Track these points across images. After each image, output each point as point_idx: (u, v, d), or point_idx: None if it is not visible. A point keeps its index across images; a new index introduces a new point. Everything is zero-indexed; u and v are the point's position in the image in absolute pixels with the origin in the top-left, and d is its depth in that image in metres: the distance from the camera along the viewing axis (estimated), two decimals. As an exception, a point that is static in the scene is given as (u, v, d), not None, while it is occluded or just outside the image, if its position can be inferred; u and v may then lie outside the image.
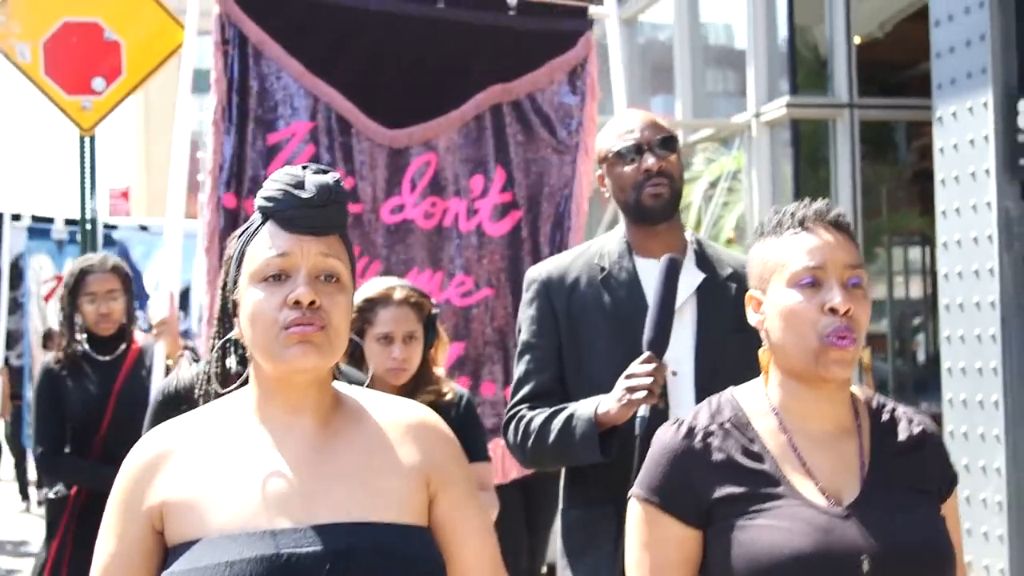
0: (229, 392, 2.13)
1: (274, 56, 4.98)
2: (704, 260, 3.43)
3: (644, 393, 3.09)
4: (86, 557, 4.98)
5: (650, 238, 3.41)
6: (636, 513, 2.23)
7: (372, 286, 4.06)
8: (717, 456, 2.17)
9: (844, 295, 2.14)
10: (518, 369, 3.51)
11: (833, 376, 2.14)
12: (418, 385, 4.06)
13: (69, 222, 11.65)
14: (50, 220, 12.22)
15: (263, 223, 2.05)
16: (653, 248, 3.39)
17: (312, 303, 1.95)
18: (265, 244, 2.02)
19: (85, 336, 5.38)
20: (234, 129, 4.95)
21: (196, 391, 2.59)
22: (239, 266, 2.06)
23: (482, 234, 5.16)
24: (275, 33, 4.98)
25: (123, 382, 5.32)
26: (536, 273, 3.56)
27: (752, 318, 2.27)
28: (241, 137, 4.96)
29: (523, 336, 3.51)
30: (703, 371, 3.30)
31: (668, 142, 3.43)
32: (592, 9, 5.10)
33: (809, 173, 9.78)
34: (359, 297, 3.98)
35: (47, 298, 11.86)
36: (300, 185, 2.01)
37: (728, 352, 3.24)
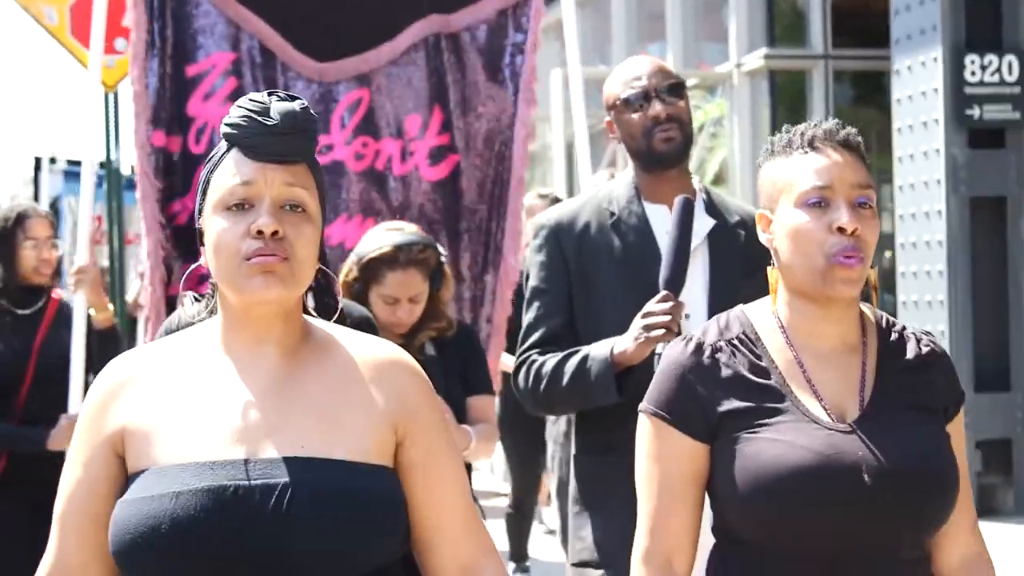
0: (197, 322, 2.10)
1: None
2: (713, 207, 3.40)
3: (662, 331, 3.05)
4: (10, 530, 4.73)
5: (660, 184, 3.37)
6: (645, 427, 2.23)
7: (378, 241, 3.91)
8: (725, 372, 2.18)
9: (851, 214, 2.12)
10: (528, 315, 3.45)
11: (839, 295, 2.14)
12: (422, 324, 3.96)
13: (101, 165, 12.36)
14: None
15: (228, 151, 1.98)
16: (663, 194, 3.35)
17: (275, 233, 1.90)
18: (229, 172, 1.95)
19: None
20: (157, 59, 4.56)
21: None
22: (204, 195, 1.99)
23: (418, 178, 4.74)
24: None
25: (44, 337, 4.86)
26: (545, 218, 3.51)
27: (761, 237, 2.27)
28: (163, 68, 4.58)
29: (532, 282, 3.45)
30: (716, 312, 3.39)
31: (676, 88, 3.39)
32: None
33: (787, 121, 10.34)
34: (364, 252, 3.89)
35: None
36: (265, 112, 1.95)
37: (740, 296, 3.03)
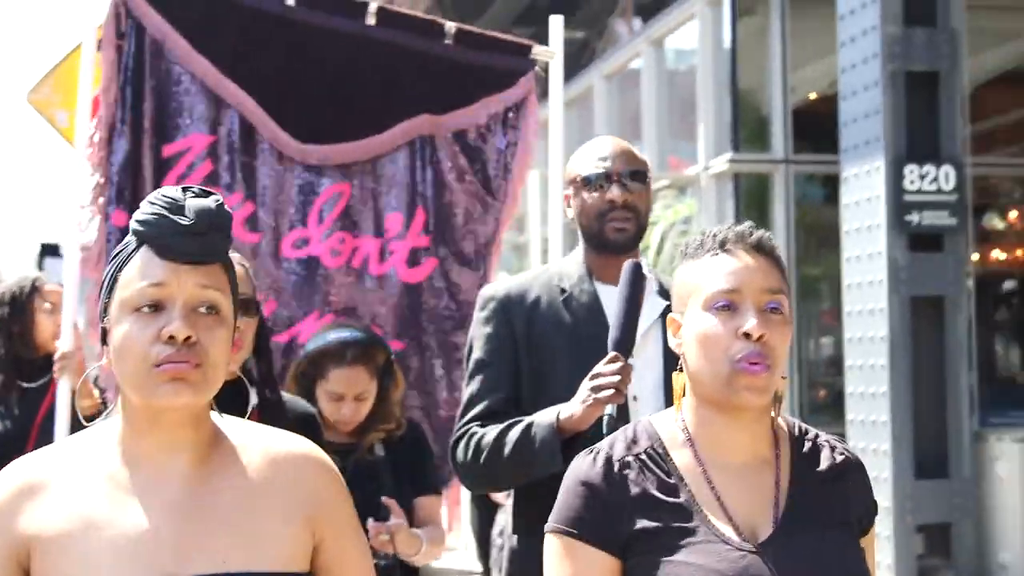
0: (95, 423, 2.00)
1: (176, 50, 4.37)
2: (663, 290, 3.32)
3: (611, 392, 2.94)
4: None
5: (610, 265, 3.30)
6: (554, 547, 2.14)
7: (325, 337, 3.89)
8: (634, 489, 2.09)
9: (759, 320, 2.05)
10: (469, 388, 3.34)
11: (744, 403, 2.06)
12: (371, 423, 3.90)
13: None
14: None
15: (137, 248, 1.87)
16: (613, 274, 3.24)
17: (188, 338, 1.81)
18: (138, 272, 1.84)
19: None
20: (127, 134, 4.32)
21: None
22: (111, 292, 1.88)
23: (396, 280, 4.57)
24: (180, 26, 4.39)
25: (46, 414, 4.62)
26: (493, 291, 3.43)
27: (671, 342, 2.20)
28: (136, 145, 4.34)
29: (476, 354, 3.36)
30: (668, 398, 3.10)
31: (638, 175, 3.34)
32: (536, 49, 4.69)
33: (750, 221, 11.00)
34: (311, 347, 3.88)
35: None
36: (179, 210, 1.84)
37: None
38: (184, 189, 1.89)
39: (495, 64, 4.68)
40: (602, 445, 2.18)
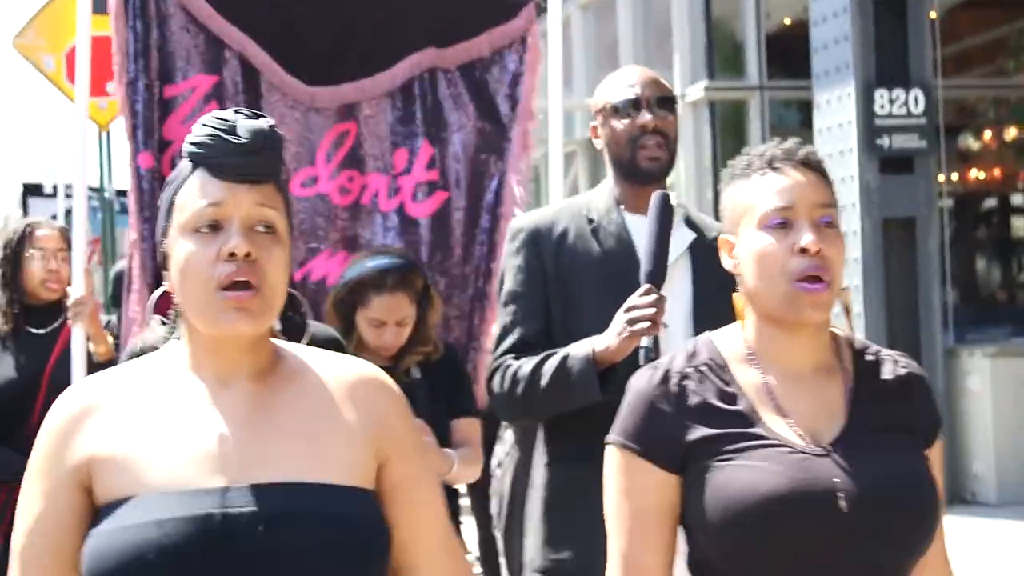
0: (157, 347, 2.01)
1: None
2: (691, 221, 3.32)
3: (647, 324, 2.95)
4: None
5: (640, 194, 3.24)
6: (614, 459, 2.14)
7: (365, 265, 3.89)
8: (693, 399, 2.09)
9: (815, 234, 2.04)
10: (502, 319, 3.35)
11: (808, 319, 2.06)
12: (409, 347, 3.92)
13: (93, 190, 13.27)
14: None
15: (193, 171, 1.89)
16: (641, 204, 3.19)
17: (247, 255, 1.82)
18: (196, 193, 1.86)
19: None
20: (142, 76, 4.27)
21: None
22: (168, 216, 1.90)
23: (404, 215, 4.53)
24: None
25: (57, 360, 4.55)
26: (522, 222, 3.40)
27: (726, 263, 2.19)
28: (148, 90, 4.29)
29: (508, 285, 3.34)
30: (702, 324, 3.07)
31: (666, 101, 3.30)
32: None
33: (727, 148, 11.22)
34: (351, 276, 3.89)
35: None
36: (232, 130, 1.87)
37: (723, 308, 2.90)
38: (236, 110, 1.91)
39: None
40: (663, 360, 2.19)
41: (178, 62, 4.30)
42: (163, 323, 2.99)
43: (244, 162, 1.86)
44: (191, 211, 1.85)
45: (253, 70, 4.35)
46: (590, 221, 3.30)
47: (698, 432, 2.07)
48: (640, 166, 3.26)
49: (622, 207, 3.31)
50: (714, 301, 3.03)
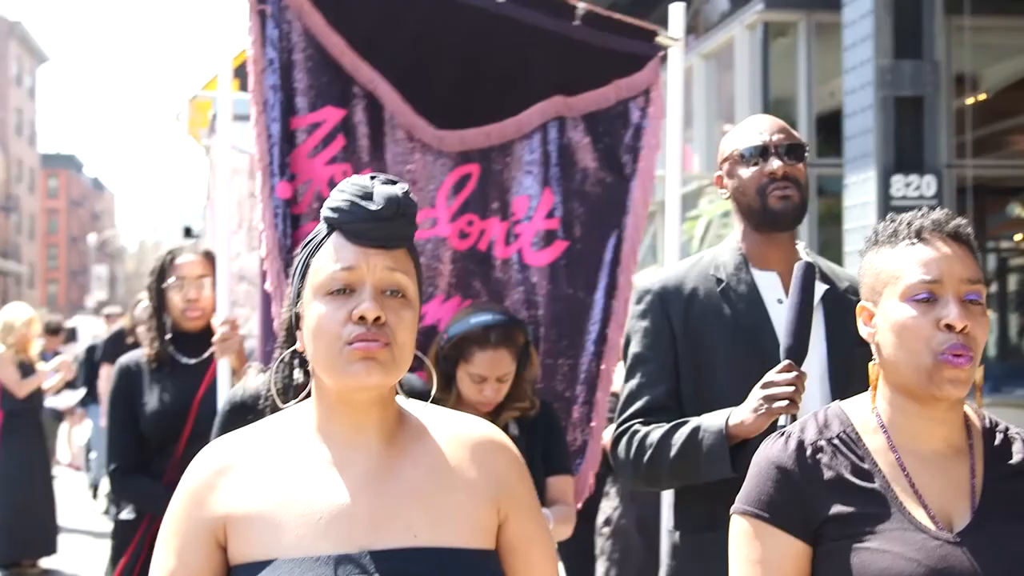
0: (290, 405, 2.03)
1: (314, 27, 4.20)
2: (823, 273, 3.20)
3: (785, 402, 2.85)
4: None
5: (768, 249, 3.19)
6: (742, 529, 2.09)
7: (468, 321, 3.87)
8: (827, 473, 2.05)
9: (961, 311, 2.00)
10: (629, 383, 3.26)
11: (946, 395, 2.01)
12: (507, 403, 3.89)
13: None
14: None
15: (328, 234, 1.93)
16: (771, 260, 3.17)
17: (377, 319, 1.85)
18: (330, 257, 1.90)
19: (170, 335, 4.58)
20: (279, 105, 4.15)
21: (262, 401, 2.56)
22: (303, 278, 1.94)
23: (522, 263, 4.40)
24: (317, 1, 4.23)
25: (206, 391, 4.48)
26: (649, 283, 3.32)
27: (862, 330, 2.14)
28: (284, 115, 4.17)
29: (634, 348, 3.27)
30: (837, 381, 3.10)
31: (796, 149, 3.20)
32: (661, 33, 4.59)
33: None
34: (455, 331, 3.86)
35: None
36: (368, 196, 1.91)
37: (856, 363, 2.89)
38: (372, 177, 1.94)
39: (622, 48, 4.53)
40: (793, 428, 2.13)
41: (308, 94, 4.21)
42: (260, 371, 3.27)
43: (378, 228, 1.89)
44: (325, 274, 1.89)
45: (379, 107, 4.27)
46: (719, 281, 3.20)
47: (833, 508, 2.03)
48: (771, 207, 3.15)
49: (750, 264, 3.22)
50: (846, 355, 3.07)
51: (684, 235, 4.76)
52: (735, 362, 3.09)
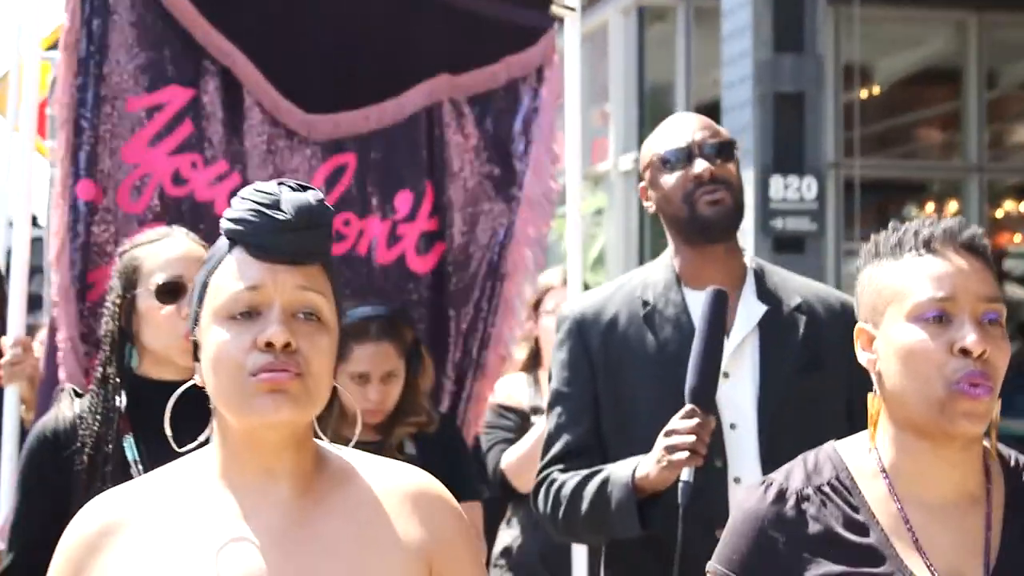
0: (188, 452, 1.80)
1: None
2: (766, 290, 2.89)
3: (686, 454, 2.61)
4: None
5: (704, 264, 2.88)
6: None
7: (344, 316, 3.54)
8: (813, 527, 1.83)
9: (979, 333, 1.76)
10: (549, 422, 3.01)
11: (961, 431, 1.77)
12: (397, 418, 3.48)
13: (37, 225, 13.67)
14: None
15: (230, 250, 1.71)
16: (706, 276, 2.84)
17: (287, 346, 1.64)
18: (232, 275, 1.68)
19: None
20: (91, 92, 3.54)
21: (80, 431, 2.33)
22: (201, 301, 1.72)
23: (404, 269, 3.87)
24: None
25: None
26: (568, 310, 3.05)
27: (861, 357, 1.89)
28: (98, 103, 3.55)
29: (553, 384, 3.01)
30: (767, 421, 2.80)
31: (724, 148, 2.89)
32: (556, 3, 4.05)
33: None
34: None
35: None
36: (275, 205, 1.68)
37: (797, 397, 2.78)
38: (279, 183, 1.73)
39: (512, 18, 4.03)
40: (776, 475, 1.91)
41: (149, 69, 3.60)
42: (76, 394, 2.69)
43: (287, 241, 1.68)
44: (226, 295, 1.68)
45: (236, 86, 3.68)
46: (644, 304, 2.91)
47: (819, 567, 1.81)
48: (700, 214, 2.83)
49: (682, 283, 2.91)
50: (781, 389, 2.79)
51: (553, 233, 4.21)
52: (658, 397, 2.80)
